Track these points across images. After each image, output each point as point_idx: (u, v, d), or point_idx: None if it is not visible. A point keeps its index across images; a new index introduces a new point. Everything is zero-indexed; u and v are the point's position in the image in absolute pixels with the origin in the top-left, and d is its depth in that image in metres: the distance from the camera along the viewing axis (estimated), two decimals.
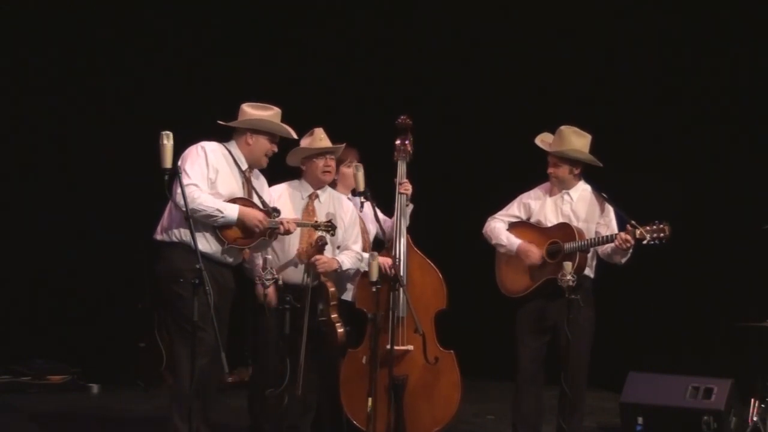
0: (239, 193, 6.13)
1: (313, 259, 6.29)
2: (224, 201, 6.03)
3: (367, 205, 6.70)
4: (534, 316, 6.65)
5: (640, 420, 7.19)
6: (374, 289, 6.29)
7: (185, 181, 5.78)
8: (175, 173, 5.59)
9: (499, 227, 6.79)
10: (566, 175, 6.68)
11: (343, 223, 6.51)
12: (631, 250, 6.48)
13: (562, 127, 6.69)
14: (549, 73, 9.46)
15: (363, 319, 6.51)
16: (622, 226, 6.49)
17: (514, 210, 6.84)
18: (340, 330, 6.38)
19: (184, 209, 5.63)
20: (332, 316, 6.35)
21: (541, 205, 6.76)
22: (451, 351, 6.57)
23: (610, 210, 6.68)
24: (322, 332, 6.34)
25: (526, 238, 6.71)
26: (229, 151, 6.19)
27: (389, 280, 6.45)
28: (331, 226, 6.26)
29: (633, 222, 6.39)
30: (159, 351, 9.15)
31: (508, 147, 8.94)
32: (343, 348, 6.53)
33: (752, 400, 6.91)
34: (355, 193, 6.72)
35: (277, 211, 6.12)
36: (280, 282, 6.15)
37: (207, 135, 6.20)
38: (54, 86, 9.57)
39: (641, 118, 9.22)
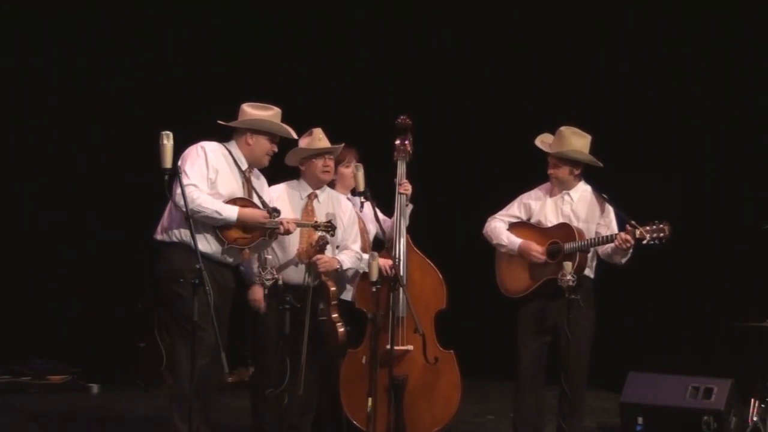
0: (239, 193, 6.13)
1: (314, 258, 6.29)
2: (224, 201, 6.03)
3: (367, 205, 6.70)
4: (534, 316, 6.65)
5: (640, 420, 7.19)
6: (374, 289, 6.29)
7: (185, 181, 5.78)
8: (175, 173, 5.59)
9: (499, 227, 6.79)
10: (566, 175, 6.68)
11: (342, 223, 6.51)
12: (631, 251, 6.48)
13: (562, 128, 6.69)
14: (549, 73, 9.46)
15: (363, 319, 6.51)
16: (622, 227, 6.49)
17: (515, 210, 6.84)
18: (341, 329, 6.38)
19: (184, 209, 5.63)
20: (333, 315, 6.36)
21: (542, 206, 6.76)
22: (451, 351, 6.57)
23: (611, 210, 6.67)
24: (323, 332, 6.34)
25: (526, 239, 6.70)
26: (229, 151, 6.19)
27: (389, 281, 6.45)
28: (331, 226, 6.26)
29: (633, 222, 6.39)
30: (159, 351, 9.15)
31: (508, 147, 8.94)
32: (343, 348, 6.53)
33: (752, 400, 6.92)
34: (354, 193, 6.72)
35: (277, 211, 6.12)
36: (280, 282, 6.15)
37: (207, 135, 6.20)
38: (54, 86, 9.57)
39: (641, 118, 9.21)
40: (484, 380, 9.16)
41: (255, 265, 6.35)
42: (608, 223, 6.66)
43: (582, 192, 6.73)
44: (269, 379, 6.19)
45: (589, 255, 6.61)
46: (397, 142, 6.76)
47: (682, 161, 9.00)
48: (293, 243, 6.40)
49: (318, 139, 6.49)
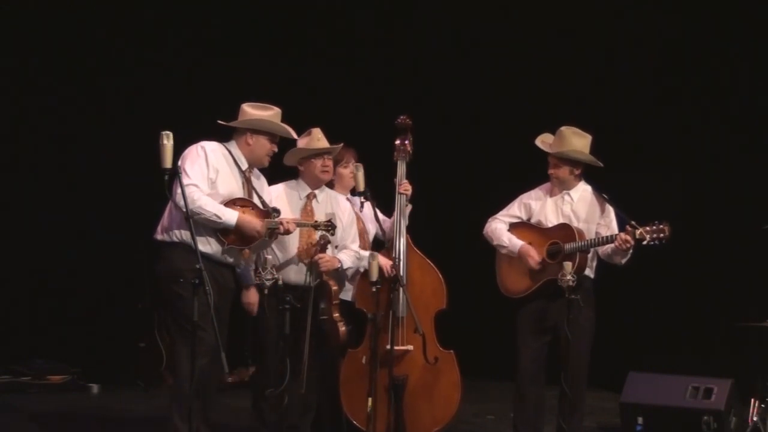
0: (239, 193, 6.13)
1: (316, 257, 6.29)
2: (224, 201, 6.02)
3: (367, 205, 6.70)
4: (535, 316, 6.65)
5: (640, 420, 7.20)
6: (374, 289, 6.29)
7: (185, 181, 5.78)
8: (175, 173, 5.59)
9: (500, 228, 6.79)
10: (567, 175, 6.68)
11: (342, 223, 6.51)
12: (631, 251, 6.48)
13: (563, 128, 6.69)
14: (549, 73, 9.46)
15: (363, 319, 6.51)
16: (622, 227, 6.48)
17: (515, 210, 6.84)
18: (342, 329, 6.39)
19: (184, 209, 5.63)
20: (334, 315, 6.36)
21: (542, 206, 6.76)
22: (451, 351, 6.57)
23: (611, 210, 6.67)
24: (324, 331, 6.34)
25: (526, 239, 6.71)
26: (229, 151, 6.18)
27: (389, 281, 6.44)
28: (331, 226, 6.26)
29: (633, 222, 6.39)
30: (159, 351, 9.15)
31: (508, 147, 8.95)
32: (344, 348, 6.53)
33: (752, 400, 6.91)
34: (354, 193, 6.72)
35: (277, 211, 6.12)
36: (280, 282, 6.15)
37: (207, 135, 6.19)
38: (54, 86, 9.58)
39: (641, 118, 9.21)
40: (484, 380, 9.16)
41: (252, 269, 6.35)
42: (608, 223, 6.66)
43: (582, 192, 6.73)
44: (269, 379, 6.18)
45: (590, 255, 6.61)
46: (397, 142, 6.76)
47: (682, 161, 9.00)
48: (293, 243, 6.40)
49: (317, 139, 6.49)
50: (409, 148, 6.76)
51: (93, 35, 9.55)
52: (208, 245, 5.97)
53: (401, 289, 6.47)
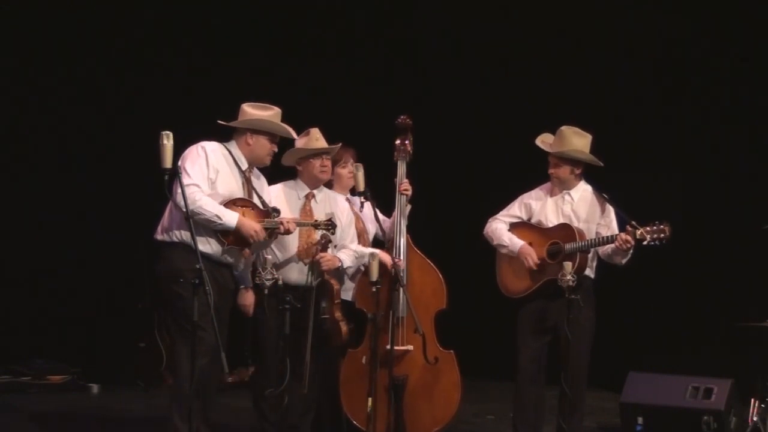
0: (239, 193, 6.12)
1: (318, 256, 6.29)
2: (224, 201, 6.02)
3: (367, 205, 6.70)
4: (535, 316, 6.65)
5: (640, 420, 7.20)
6: (374, 289, 6.29)
7: (185, 181, 5.78)
8: (175, 173, 5.59)
9: (500, 228, 6.79)
10: (567, 175, 6.68)
11: (341, 223, 6.50)
12: (631, 251, 6.48)
13: (563, 128, 6.69)
14: (549, 73, 9.46)
15: (363, 319, 6.51)
16: (622, 227, 6.49)
17: (515, 210, 6.84)
18: (344, 328, 6.39)
19: (184, 209, 5.63)
20: (336, 314, 6.36)
21: (542, 206, 6.76)
22: (451, 351, 6.57)
23: (611, 210, 6.67)
24: (325, 330, 6.34)
25: (526, 239, 6.71)
26: (230, 151, 6.18)
27: (390, 277, 6.44)
28: (331, 225, 6.26)
29: (633, 222, 6.39)
30: (159, 351, 9.15)
31: (509, 147, 8.95)
32: (344, 347, 6.53)
33: (752, 400, 6.91)
34: (354, 193, 6.71)
35: (277, 211, 6.11)
36: (280, 282, 6.15)
37: (207, 135, 6.19)
38: (54, 86, 9.57)
39: (641, 118, 9.22)
40: (484, 380, 9.16)
41: (249, 270, 6.35)
42: (609, 223, 6.66)
43: (582, 192, 6.73)
44: (269, 380, 6.18)
45: (590, 255, 6.61)
46: (397, 142, 6.76)
47: (682, 161, 9.00)
48: (293, 243, 6.40)
49: (315, 139, 6.48)
50: (409, 148, 6.75)
51: (93, 35, 9.55)
52: (208, 245, 5.96)
53: (401, 289, 6.47)
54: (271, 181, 6.53)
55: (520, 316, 6.71)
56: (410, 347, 6.54)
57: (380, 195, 6.72)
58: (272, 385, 6.11)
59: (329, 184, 6.73)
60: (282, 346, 6.07)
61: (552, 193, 6.76)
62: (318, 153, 6.48)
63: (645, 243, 6.35)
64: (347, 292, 6.62)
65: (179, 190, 5.63)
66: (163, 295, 6.09)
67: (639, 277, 7.65)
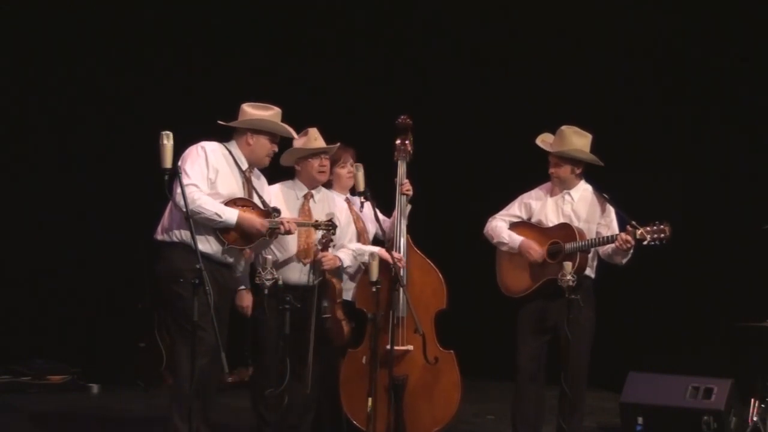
0: (239, 193, 6.12)
1: (319, 256, 6.29)
2: (224, 201, 6.02)
3: (367, 205, 6.69)
4: (535, 316, 6.65)
5: (640, 420, 7.20)
6: (374, 289, 6.29)
7: (185, 181, 5.78)
8: (175, 173, 5.59)
9: (500, 226, 6.80)
10: (568, 174, 6.68)
11: (339, 223, 6.50)
12: (631, 251, 6.48)
13: (563, 127, 6.69)
14: (549, 73, 9.46)
15: (363, 319, 6.51)
16: (622, 227, 6.49)
17: (515, 210, 6.84)
18: (346, 327, 6.40)
19: (183, 209, 5.63)
20: (338, 313, 6.37)
21: (542, 205, 6.76)
22: (451, 351, 6.57)
23: (611, 210, 6.67)
24: (327, 329, 6.34)
25: (526, 238, 6.70)
26: (230, 151, 6.18)
27: (390, 277, 6.43)
28: (331, 225, 6.26)
29: (633, 222, 6.40)
30: (159, 351, 9.15)
31: (509, 147, 8.95)
32: (345, 347, 6.53)
33: (752, 400, 6.92)
34: (354, 192, 6.71)
35: (277, 211, 6.11)
36: (280, 282, 6.15)
37: (207, 135, 6.19)
38: (54, 86, 9.57)
39: (641, 118, 9.22)
40: (484, 380, 9.16)
41: (247, 272, 6.36)
42: (609, 223, 6.66)
43: (583, 192, 6.73)
44: (269, 380, 6.18)
45: (590, 255, 6.61)
46: (397, 142, 6.75)
47: (682, 161, 9.00)
48: (292, 243, 6.40)
49: (314, 138, 6.48)
50: (409, 148, 6.75)
51: (93, 35, 9.55)
52: (208, 245, 5.96)
53: (401, 289, 6.47)
54: (270, 181, 6.53)
55: (520, 315, 6.71)
56: (410, 347, 6.54)
57: (380, 195, 6.72)
58: (272, 385, 6.11)
59: (329, 184, 6.73)
60: (282, 346, 6.07)
61: (552, 193, 6.76)
62: (316, 153, 6.48)
63: (645, 243, 6.35)
64: (347, 292, 6.62)
65: (179, 190, 5.64)
66: (163, 295, 6.09)
67: (639, 277, 7.65)
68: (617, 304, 8.25)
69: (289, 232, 6.17)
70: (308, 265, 6.37)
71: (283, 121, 6.29)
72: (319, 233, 6.30)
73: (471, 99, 9.82)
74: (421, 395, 6.51)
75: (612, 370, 7.96)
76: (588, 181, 6.76)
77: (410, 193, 6.73)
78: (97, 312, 9.57)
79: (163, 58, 9.74)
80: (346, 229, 6.59)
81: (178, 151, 5.70)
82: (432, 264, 6.65)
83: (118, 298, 9.49)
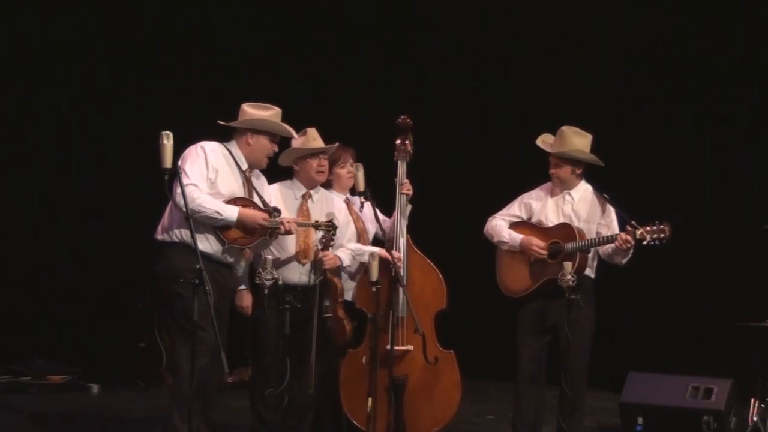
0: (239, 193, 6.12)
1: (320, 255, 6.29)
2: (225, 201, 6.02)
3: (367, 205, 6.69)
4: (535, 316, 6.65)
5: (640, 420, 7.20)
6: (374, 289, 6.29)
7: (185, 181, 5.78)
8: (175, 173, 5.59)
9: (500, 225, 6.80)
10: (568, 175, 6.68)
11: (338, 223, 6.51)
12: (631, 251, 6.48)
13: (563, 128, 6.69)
14: (549, 73, 9.46)
15: (363, 319, 6.51)
16: (623, 227, 6.49)
17: (515, 210, 6.84)
18: (348, 327, 6.40)
19: (183, 209, 5.63)
20: (339, 312, 6.37)
21: (542, 205, 6.76)
22: (451, 351, 6.57)
23: (611, 210, 6.67)
24: (329, 329, 6.34)
25: (526, 235, 6.71)
26: (230, 151, 6.18)
27: (390, 277, 6.43)
28: (331, 226, 6.27)
29: (633, 222, 6.40)
30: (159, 351, 9.15)
31: (509, 147, 8.95)
32: (346, 347, 6.53)
33: (752, 400, 6.92)
34: (354, 192, 6.71)
35: (277, 210, 6.11)
36: (280, 282, 6.15)
37: (207, 135, 6.19)
38: (54, 86, 9.57)
39: (641, 118, 9.21)
40: (484, 380, 9.16)
41: (246, 272, 6.36)
42: (609, 223, 6.66)
43: (583, 192, 6.73)
44: (268, 380, 6.18)
45: (590, 255, 6.61)
46: (398, 142, 6.75)
47: (682, 161, 9.00)
48: (291, 243, 6.40)
49: (312, 138, 6.48)
50: (409, 148, 6.75)
51: (93, 35, 9.55)
52: (208, 245, 5.96)
53: (401, 289, 6.47)
54: (269, 181, 6.52)
55: (520, 316, 6.71)
56: (410, 347, 6.53)
57: (380, 195, 6.72)
58: (272, 385, 6.11)
59: (329, 184, 6.73)
60: (282, 346, 6.07)
61: (552, 193, 6.76)
62: (315, 153, 6.48)
63: (645, 243, 6.35)
64: (347, 292, 6.62)
65: (179, 190, 5.64)
66: (163, 295, 6.09)
67: (639, 277, 7.65)
68: (617, 304, 8.25)
69: (289, 232, 6.17)
70: (307, 265, 6.37)
71: (283, 121, 6.29)
72: (319, 233, 6.30)
73: (471, 99, 9.83)
74: (421, 395, 6.51)
75: (612, 370, 7.96)
76: (588, 181, 6.76)
77: (410, 193, 6.73)
78: (97, 312, 9.57)
79: (163, 58, 9.74)
80: (345, 229, 6.59)
81: (178, 151, 5.70)
82: (432, 264, 6.65)
83: (118, 298, 9.49)
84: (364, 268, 6.50)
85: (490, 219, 6.87)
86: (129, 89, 9.67)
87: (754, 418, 6.84)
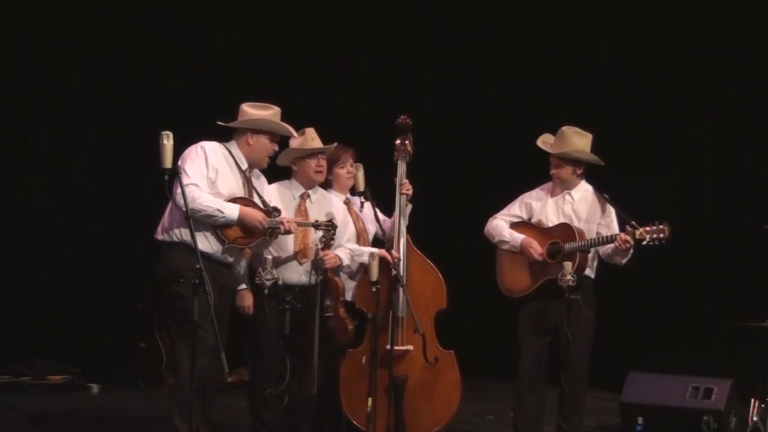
0: (239, 192, 6.13)
1: (321, 254, 6.29)
2: (225, 200, 6.02)
3: (367, 205, 6.69)
4: (535, 316, 6.65)
5: (640, 420, 7.20)
6: (374, 289, 6.29)
7: (185, 180, 5.78)
8: (175, 173, 5.59)
9: (501, 225, 6.80)
10: (569, 175, 6.68)
11: (337, 223, 6.51)
12: (631, 251, 6.48)
13: (564, 128, 6.69)
14: (549, 73, 9.46)
15: (363, 319, 6.51)
16: (623, 227, 6.49)
17: (516, 210, 6.84)
18: (350, 325, 6.40)
19: (184, 209, 5.63)
20: (340, 311, 6.37)
21: (543, 206, 6.76)
22: (451, 351, 6.57)
23: (612, 211, 6.67)
24: (329, 328, 6.34)
25: (527, 237, 6.71)
26: (230, 151, 6.18)
27: (390, 277, 6.43)
28: (331, 225, 6.27)
29: (633, 222, 6.39)
30: (159, 351, 9.15)
31: (509, 147, 8.95)
32: (348, 346, 6.53)
33: (752, 400, 6.92)
34: (354, 192, 6.71)
35: (277, 210, 6.11)
36: (280, 282, 6.15)
37: (207, 135, 6.19)
38: (54, 86, 9.57)
39: (641, 118, 9.21)
40: (484, 380, 9.16)
41: (246, 272, 6.36)
42: (609, 223, 6.66)
43: (583, 192, 6.73)
44: (268, 380, 6.18)
45: (590, 255, 6.61)
46: (397, 142, 6.75)
47: (682, 161, 9.00)
48: (289, 243, 6.40)
49: (311, 138, 6.48)
50: (409, 148, 6.75)
51: (93, 35, 9.55)
52: (208, 245, 5.97)
53: (401, 289, 6.47)
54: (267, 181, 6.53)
55: (520, 316, 6.71)
56: (410, 347, 6.53)
57: (380, 195, 6.72)
58: (272, 386, 6.11)
59: (328, 185, 6.72)
60: (282, 346, 6.07)
61: (553, 193, 6.76)
62: (313, 153, 6.48)
63: (644, 243, 6.35)
64: (347, 292, 6.63)
65: (179, 190, 5.64)
66: (163, 295, 6.09)
67: (639, 277, 7.65)
68: (617, 304, 8.25)
69: (288, 232, 6.17)
70: (305, 265, 6.38)
71: (282, 120, 6.29)
72: (319, 233, 6.30)
73: (471, 99, 9.82)
74: (421, 395, 6.51)
75: (612, 370, 7.96)
76: (588, 181, 6.76)
77: (410, 193, 6.73)
78: (97, 312, 9.57)
79: (163, 58, 9.74)
80: (344, 230, 6.58)
81: (178, 151, 5.71)
82: (432, 264, 6.65)
83: (118, 298, 9.49)
84: (364, 268, 6.50)
85: (490, 219, 6.87)
86: (129, 89, 9.67)
87: (754, 418, 6.84)
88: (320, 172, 6.53)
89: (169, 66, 9.73)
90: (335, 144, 6.58)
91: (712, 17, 8.89)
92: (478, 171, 9.75)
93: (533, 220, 6.77)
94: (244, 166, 6.20)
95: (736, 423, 7.12)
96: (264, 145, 6.22)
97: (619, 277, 7.05)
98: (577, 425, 6.60)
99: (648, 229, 6.33)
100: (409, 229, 6.70)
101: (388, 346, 6.38)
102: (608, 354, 7.50)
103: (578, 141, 6.63)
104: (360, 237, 6.74)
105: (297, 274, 6.38)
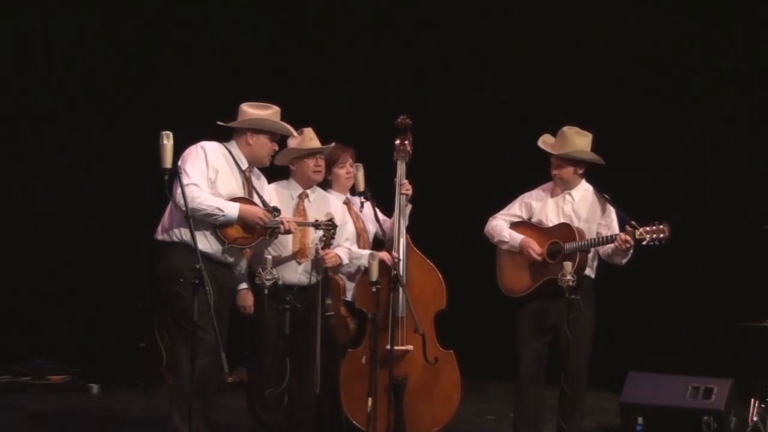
0: (239, 192, 6.13)
1: (322, 253, 6.29)
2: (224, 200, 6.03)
3: (367, 205, 6.69)
4: (535, 316, 6.65)
5: (640, 420, 7.20)
6: (374, 289, 6.29)
7: (185, 180, 5.78)
8: (175, 173, 5.59)
9: (501, 225, 6.80)
10: (570, 175, 6.68)
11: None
12: (631, 251, 6.48)
13: (564, 128, 6.68)
14: (549, 73, 9.46)
15: (363, 319, 6.51)
16: (623, 227, 6.48)
17: (516, 210, 6.84)
18: (351, 324, 6.40)
19: (184, 209, 5.63)
20: (341, 310, 6.37)
21: (543, 205, 6.76)
22: (451, 351, 6.57)
23: (612, 211, 6.67)
24: (330, 327, 6.34)
25: (527, 237, 6.71)
26: (230, 151, 6.18)
27: (390, 277, 6.43)
28: (331, 225, 6.27)
29: (633, 222, 6.40)
30: (159, 351, 9.15)
31: (509, 147, 8.95)
32: (349, 345, 6.53)
33: (752, 400, 6.92)
34: (354, 192, 6.71)
35: (277, 210, 6.11)
36: (281, 282, 6.15)
37: (207, 135, 6.19)
38: (54, 86, 9.57)
39: (641, 118, 9.21)
40: (484, 380, 9.16)
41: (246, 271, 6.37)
42: (609, 223, 6.66)
43: (583, 192, 6.73)
44: (268, 380, 6.18)
45: (590, 255, 6.61)
46: (397, 142, 6.75)
47: (682, 161, 9.00)
48: (288, 243, 6.40)
49: (309, 138, 6.48)
50: (409, 148, 6.75)
51: (93, 35, 9.55)
52: (208, 245, 5.97)
53: (401, 289, 6.47)
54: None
55: (520, 316, 6.71)
56: (410, 347, 6.54)
57: (380, 195, 6.72)
58: (271, 386, 6.11)
59: (328, 185, 6.72)
60: (282, 346, 6.07)
61: (553, 193, 6.76)
62: (312, 153, 6.48)
63: (644, 243, 6.35)
64: (347, 292, 6.63)
65: (179, 190, 5.64)
66: (163, 295, 6.09)
67: (639, 277, 7.65)
68: (617, 304, 8.25)
69: (288, 232, 6.17)
70: (304, 265, 6.38)
71: (282, 120, 6.29)
72: (319, 232, 6.31)
73: (471, 99, 9.82)
74: (421, 395, 6.51)
75: (612, 370, 7.96)
76: (588, 181, 6.76)
77: (410, 193, 6.73)
78: (97, 312, 9.57)
79: (163, 58, 9.74)
80: (342, 230, 6.58)
81: (178, 151, 5.71)
82: (432, 264, 6.65)
83: (118, 298, 9.49)
84: (363, 269, 6.50)
85: (490, 219, 6.87)
86: (129, 89, 9.67)
87: (754, 418, 6.84)
88: (318, 171, 6.53)
89: (169, 66, 9.73)
90: (333, 144, 6.58)
91: (712, 17, 8.89)
92: (478, 171, 9.75)
93: (533, 220, 6.77)
94: (244, 166, 6.20)
95: (736, 423, 7.12)
96: (264, 145, 6.22)
97: (619, 277, 7.05)
98: (577, 425, 6.60)
99: (648, 229, 6.33)
100: (409, 229, 6.70)
101: (388, 346, 6.37)
102: (608, 354, 7.50)
103: (579, 141, 6.63)
104: (360, 237, 6.74)
105: (296, 273, 6.38)
